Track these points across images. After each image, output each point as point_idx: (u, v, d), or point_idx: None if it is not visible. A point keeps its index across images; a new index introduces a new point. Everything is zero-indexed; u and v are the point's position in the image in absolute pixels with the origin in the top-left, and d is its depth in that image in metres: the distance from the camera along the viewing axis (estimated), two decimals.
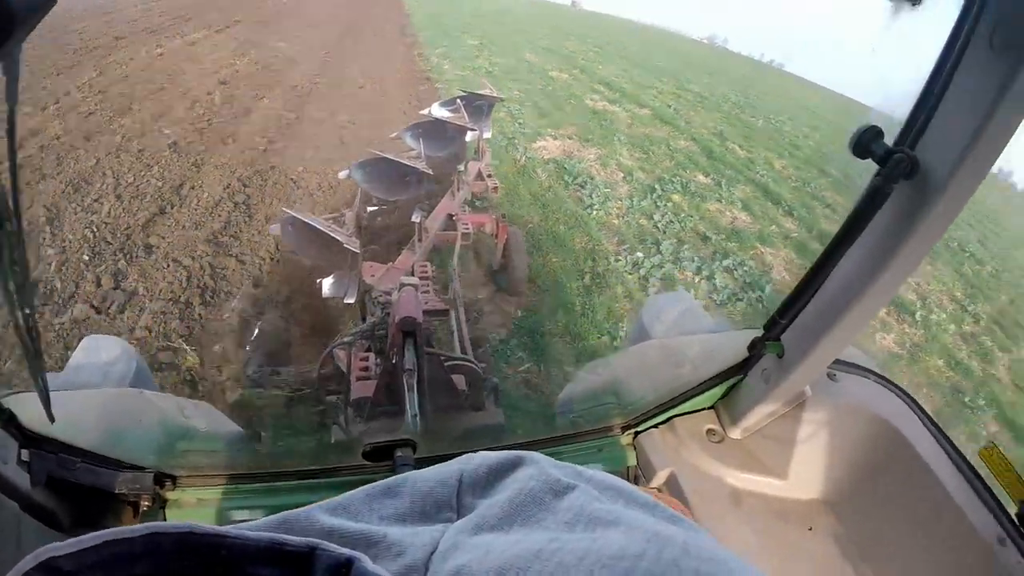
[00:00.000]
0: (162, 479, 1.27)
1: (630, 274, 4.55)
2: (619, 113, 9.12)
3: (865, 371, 1.32)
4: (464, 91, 4.89)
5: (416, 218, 3.36)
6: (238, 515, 1.31)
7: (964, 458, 1.10)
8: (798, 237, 5.81)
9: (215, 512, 1.32)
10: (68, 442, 1.14)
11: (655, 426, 1.42)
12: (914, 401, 1.25)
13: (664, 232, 5.32)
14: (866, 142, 0.84)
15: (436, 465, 0.45)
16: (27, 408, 1.05)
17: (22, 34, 0.40)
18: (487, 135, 4.73)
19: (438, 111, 4.57)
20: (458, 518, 0.40)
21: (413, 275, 2.97)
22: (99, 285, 3.64)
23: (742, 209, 6.20)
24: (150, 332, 3.35)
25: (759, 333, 1.19)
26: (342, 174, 3.91)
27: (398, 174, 3.65)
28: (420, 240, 3.38)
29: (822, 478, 1.26)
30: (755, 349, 1.20)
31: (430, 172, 3.54)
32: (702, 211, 5.98)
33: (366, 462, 1.27)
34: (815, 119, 12.62)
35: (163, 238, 4.08)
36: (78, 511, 1.21)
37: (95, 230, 4.06)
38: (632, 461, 1.42)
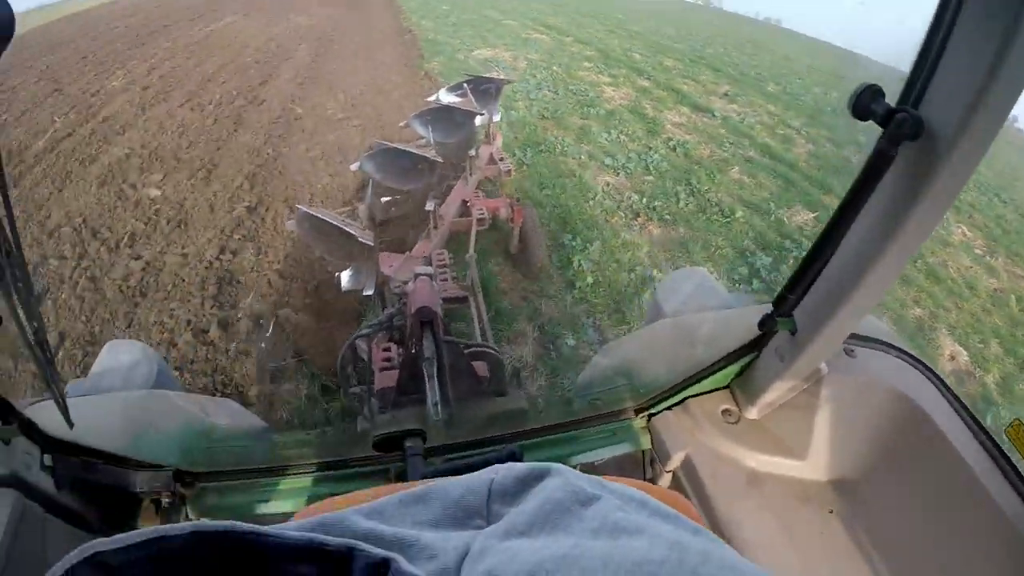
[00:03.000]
0: (182, 476, 1.31)
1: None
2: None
3: (886, 345, 1.28)
4: (470, 75, 4.86)
5: (430, 206, 3.35)
6: (259, 508, 1.34)
7: (990, 436, 1.06)
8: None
9: (235, 506, 1.35)
10: (89, 445, 1.18)
11: (669, 408, 1.40)
12: (937, 376, 1.21)
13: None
14: (865, 102, 0.80)
15: (466, 475, 0.47)
16: (50, 415, 1.08)
17: None
18: (496, 118, 4.68)
19: (445, 96, 4.54)
20: (488, 525, 0.42)
21: (430, 263, 2.99)
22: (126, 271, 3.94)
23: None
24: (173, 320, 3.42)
25: (770, 306, 1.16)
26: (353, 167, 3.92)
27: (409, 163, 3.64)
28: (436, 228, 3.38)
29: (842, 458, 1.23)
30: (766, 326, 1.17)
31: (440, 160, 3.52)
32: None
33: (377, 453, 1.29)
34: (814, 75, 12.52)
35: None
36: (102, 510, 1.25)
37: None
38: (647, 444, 1.41)
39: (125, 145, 5.97)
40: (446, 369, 1.94)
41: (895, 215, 0.86)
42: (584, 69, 9.99)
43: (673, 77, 10.09)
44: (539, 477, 0.44)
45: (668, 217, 5.09)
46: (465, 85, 4.55)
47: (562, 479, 0.43)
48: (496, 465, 0.48)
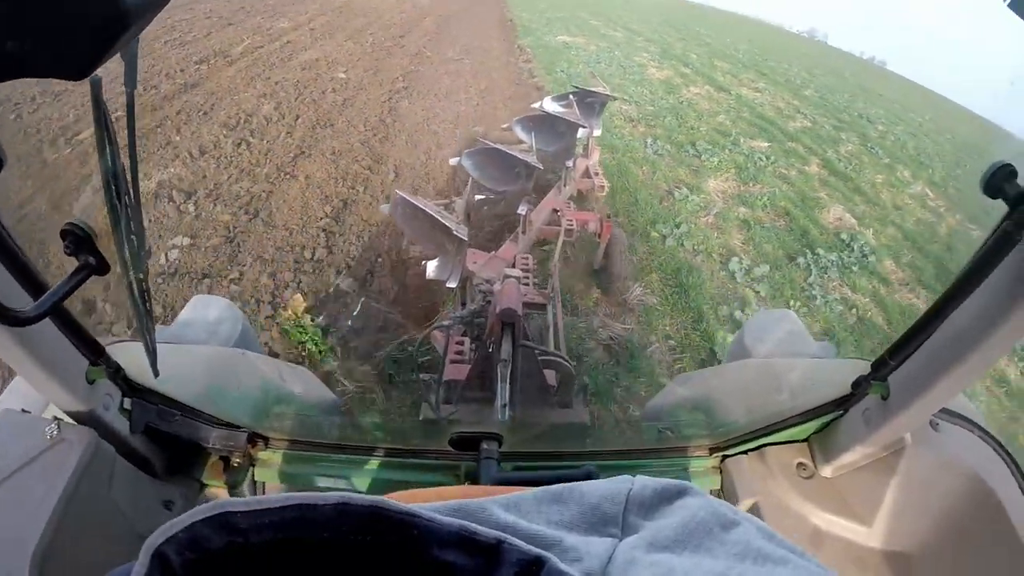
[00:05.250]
0: (255, 439, 1.32)
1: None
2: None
3: (970, 423, 1.24)
4: (577, 87, 4.88)
5: (522, 210, 3.38)
6: (323, 482, 1.37)
7: None
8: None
9: (301, 476, 1.38)
10: (169, 395, 1.22)
11: (744, 452, 1.37)
12: (1015, 463, 1.16)
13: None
14: (998, 182, 0.77)
15: (601, 480, 0.47)
16: (132, 358, 1.12)
17: (137, 29, 0.43)
18: (597, 133, 4.74)
19: (550, 105, 4.60)
20: (621, 534, 0.41)
21: (515, 266, 3.03)
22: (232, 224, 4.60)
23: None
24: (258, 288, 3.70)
25: (863, 364, 1.13)
26: (452, 161, 4.01)
27: (508, 165, 3.69)
28: (524, 232, 3.42)
29: (906, 531, 1.19)
30: (860, 387, 1.14)
31: (540, 166, 3.55)
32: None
33: (451, 449, 1.29)
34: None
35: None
36: (171, 460, 1.30)
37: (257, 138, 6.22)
38: (715, 485, 1.39)
39: (312, 54, 9.35)
40: (519, 373, 1.95)
41: (1012, 297, 0.84)
42: (639, 55, 12.82)
43: (712, 70, 12.59)
44: (678, 494, 0.44)
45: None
46: (571, 96, 4.57)
47: (703, 499, 0.43)
48: (627, 475, 0.48)
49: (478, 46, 11.39)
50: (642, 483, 0.45)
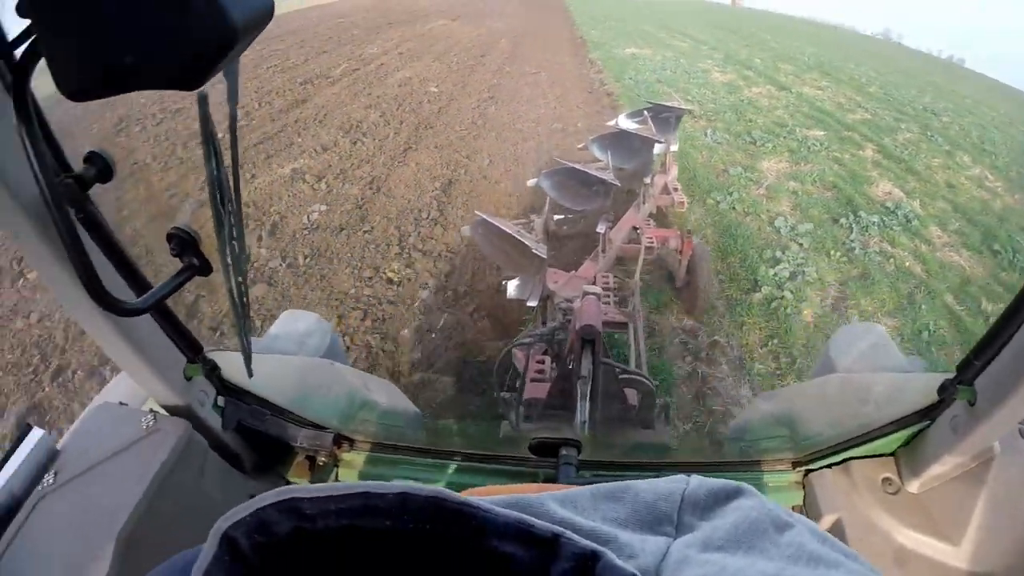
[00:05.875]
0: (340, 440, 1.35)
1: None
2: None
3: None
4: (651, 102, 4.76)
5: (601, 228, 3.31)
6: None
7: None
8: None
9: (383, 478, 1.25)
10: (260, 395, 1.24)
11: (829, 466, 1.30)
12: None
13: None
14: None
15: (654, 479, 0.46)
16: (228, 363, 1.14)
17: (243, 46, 0.47)
18: (674, 148, 4.56)
19: (625, 122, 4.51)
20: (676, 533, 0.41)
21: (595, 285, 2.92)
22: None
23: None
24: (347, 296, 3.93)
25: (951, 376, 1.05)
26: (530, 182, 3.97)
27: (585, 184, 3.61)
28: (604, 251, 3.32)
29: (998, 550, 1.10)
30: (946, 393, 1.07)
31: (617, 183, 3.46)
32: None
33: (531, 455, 1.28)
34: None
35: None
36: (259, 457, 1.33)
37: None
38: (798, 500, 1.32)
39: (404, 74, 10.34)
40: (599, 391, 1.88)
41: None
42: (703, 62, 12.99)
43: (775, 72, 12.50)
44: (733, 495, 0.43)
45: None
46: (645, 112, 4.47)
47: (757, 500, 0.42)
48: (682, 475, 0.46)
49: (552, 60, 11.97)
50: (697, 482, 0.44)
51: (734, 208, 5.53)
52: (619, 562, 0.28)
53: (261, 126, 7.29)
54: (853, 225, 5.33)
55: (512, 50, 13.23)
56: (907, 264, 4.85)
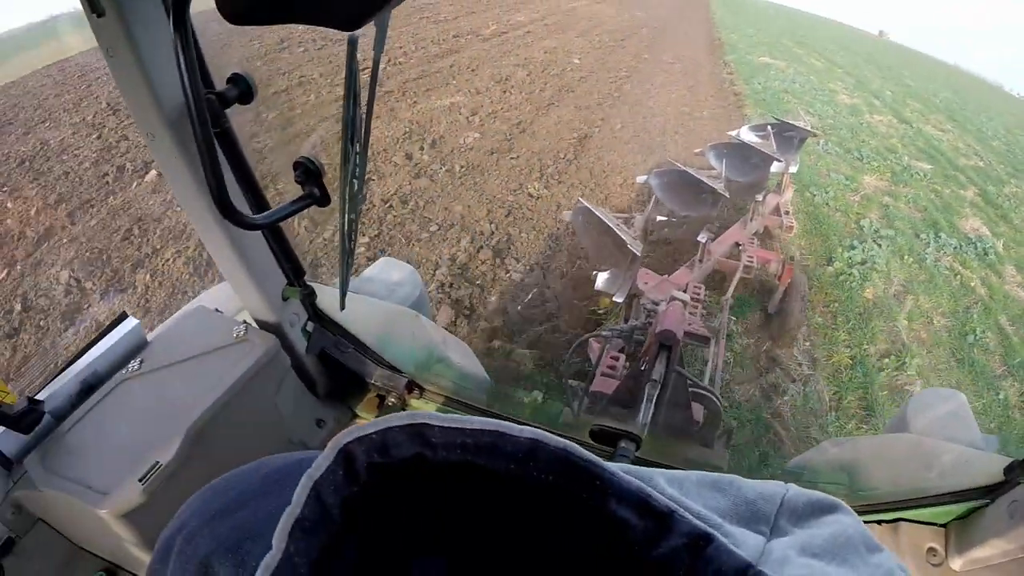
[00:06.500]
0: (412, 386, 1.36)
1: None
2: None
3: None
4: (776, 118, 4.44)
5: (702, 238, 3.14)
6: None
7: None
8: None
9: None
10: (348, 329, 1.26)
11: (878, 522, 1.24)
12: None
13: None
14: None
15: (757, 480, 0.44)
16: (323, 293, 1.18)
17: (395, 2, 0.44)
18: (793, 169, 4.20)
19: (746, 135, 4.23)
20: (771, 534, 0.40)
21: (685, 292, 2.78)
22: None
23: None
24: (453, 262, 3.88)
25: (1021, 460, 0.96)
26: (640, 179, 3.78)
27: (694, 190, 3.40)
28: (701, 261, 3.14)
29: None
30: (1012, 474, 1.01)
31: (727, 195, 3.23)
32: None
33: (591, 441, 1.24)
34: None
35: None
36: (334, 386, 1.35)
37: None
38: None
39: (549, 43, 10.98)
40: (666, 397, 1.81)
41: None
42: (833, 83, 12.86)
43: (902, 107, 12.17)
44: (830, 509, 0.42)
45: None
46: (769, 127, 4.14)
47: (854, 519, 0.41)
48: (781, 482, 0.45)
49: (688, 56, 12.18)
50: (797, 491, 0.43)
51: (827, 204, 5.83)
52: (731, 547, 0.27)
53: (419, 65, 8.18)
54: (931, 241, 5.52)
55: (652, 39, 13.49)
56: (972, 284, 4.96)
